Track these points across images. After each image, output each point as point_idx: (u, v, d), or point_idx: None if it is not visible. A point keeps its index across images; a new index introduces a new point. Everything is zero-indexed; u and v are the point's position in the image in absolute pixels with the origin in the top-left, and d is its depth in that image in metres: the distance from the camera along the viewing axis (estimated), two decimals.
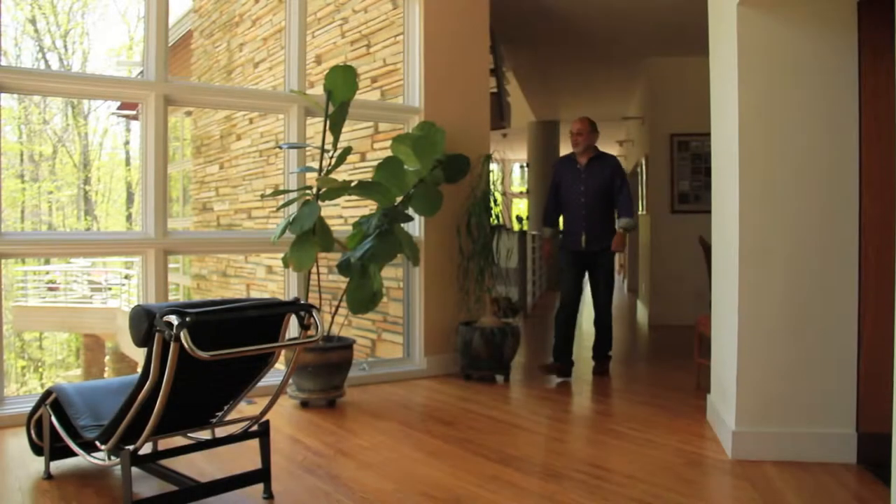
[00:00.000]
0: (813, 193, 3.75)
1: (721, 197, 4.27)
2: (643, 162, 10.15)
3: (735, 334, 3.82)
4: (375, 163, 5.39)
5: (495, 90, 8.57)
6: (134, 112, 18.66)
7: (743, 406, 3.79)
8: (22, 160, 25.00)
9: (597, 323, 5.99)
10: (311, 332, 3.12)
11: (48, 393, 3.43)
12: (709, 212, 4.62)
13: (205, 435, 3.41)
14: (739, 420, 3.79)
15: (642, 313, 10.03)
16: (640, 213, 10.98)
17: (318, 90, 5.35)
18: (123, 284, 18.02)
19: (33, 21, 25.06)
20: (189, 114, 14.61)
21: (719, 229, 4.34)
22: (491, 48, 6.73)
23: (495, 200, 5.96)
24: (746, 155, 3.80)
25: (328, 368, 4.85)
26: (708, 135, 4.63)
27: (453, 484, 3.42)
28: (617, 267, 20.02)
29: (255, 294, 10.14)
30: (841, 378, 3.70)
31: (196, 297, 12.94)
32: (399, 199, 5.28)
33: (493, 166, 6.06)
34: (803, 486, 3.39)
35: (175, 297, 14.73)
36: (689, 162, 9.07)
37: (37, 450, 3.64)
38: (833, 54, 3.73)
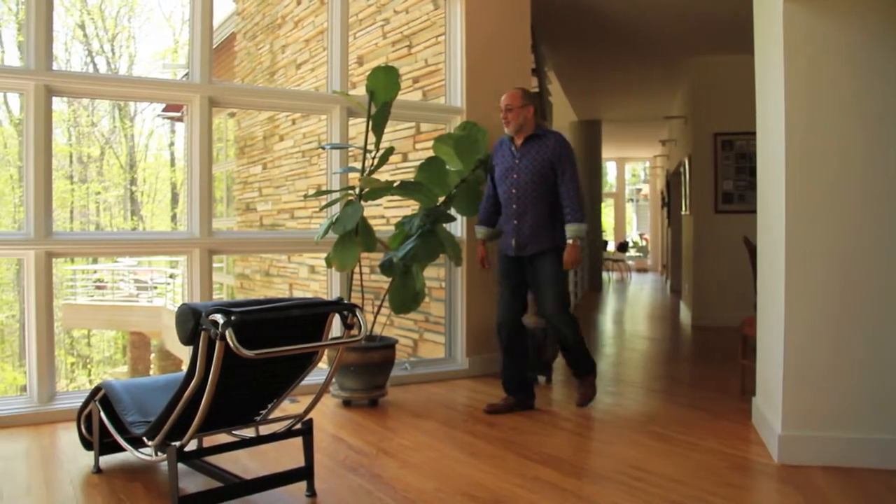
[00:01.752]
0: (862, 192, 3.68)
1: (767, 196, 4.21)
2: (686, 162, 10.05)
3: (781, 336, 3.76)
4: (417, 163, 5.40)
5: (537, 90, 8.55)
6: (179, 114, 18.92)
7: (789, 409, 3.73)
8: (71, 162, 25.47)
9: (560, 343, 5.04)
10: (355, 331, 3.14)
11: (97, 389, 3.50)
12: (753, 212, 4.56)
13: (249, 433, 3.45)
14: (786, 423, 3.73)
15: (685, 314, 9.93)
16: (683, 213, 10.87)
17: (360, 91, 5.38)
18: (168, 283, 18.27)
19: (82, 26, 25.53)
20: (232, 115, 14.77)
21: (765, 229, 4.28)
22: (532, 48, 6.70)
23: None
24: (793, 153, 3.74)
25: (371, 368, 4.87)
26: (753, 133, 4.57)
27: (494, 484, 3.42)
28: (659, 269, 19.87)
29: (297, 293, 10.22)
30: (891, 381, 3.62)
31: (239, 297, 13.09)
32: (441, 199, 5.29)
33: None
34: (851, 492, 3.32)
35: (219, 296, 14.90)
36: (733, 161, 8.95)
37: (86, 444, 3.72)
38: (881, 48, 3.65)
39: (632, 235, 26.14)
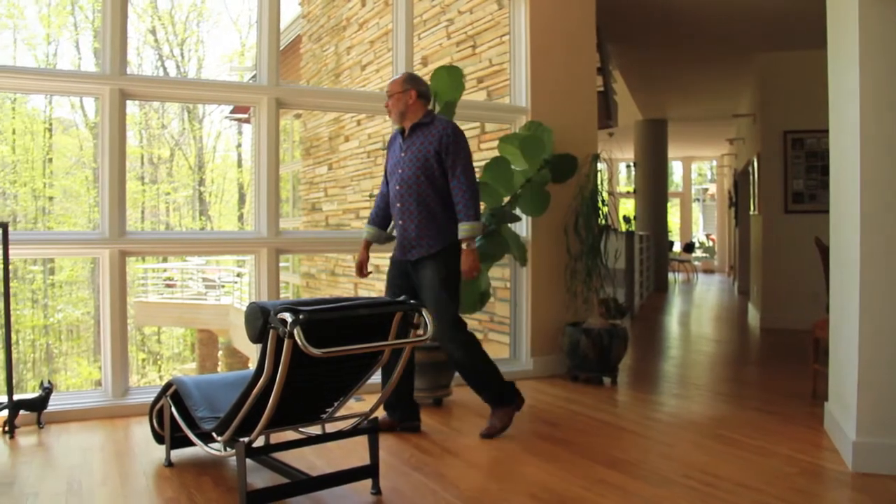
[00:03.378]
0: None
1: (840, 196, 4.10)
2: (755, 161, 9.84)
3: (856, 339, 3.65)
4: (482, 163, 5.40)
5: (602, 89, 8.47)
6: (246, 115, 19.23)
7: (865, 415, 3.62)
8: (142, 163, 26.12)
9: (455, 367, 4.44)
10: (421, 331, 3.15)
11: (169, 385, 3.58)
12: (825, 211, 4.44)
13: (315, 430, 3.49)
14: (860, 430, 3.62)
15: (753, 316, 9.73)
16: (751, 213, 10.64)
17: None
18: (236, 282, 18.58)
19: (153, 31, 26.16)
20: (298, 116, 14.96)
21: (838, 230, 4.16)
22: (597, 46, 6.65)
23: (603, 200, 5.87)
24: (868, 151, 3.63)
25: (435, 367, 4.89)
26: (825, 131, 4.45)
27: (559, 486, 3.40)
28: (726, 269, 19.51)
29: (362, 293, 10.31)
30: None
31: (305, 296, 13.25)
32: (506, 199, 5.28)
33: (601, 166, 5.97)
34: None
35: (285, 295, 15.10)
36: (803, 160, 8.74)
37: (158, 438, 3.82)
38: None
39: (698, 236, 25.73)
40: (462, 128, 7.42)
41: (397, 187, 4.22)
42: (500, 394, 4.28)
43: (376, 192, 5.48)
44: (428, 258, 4.15)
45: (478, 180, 5.12)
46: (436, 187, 4.15)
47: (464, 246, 4.09)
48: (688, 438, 4.25)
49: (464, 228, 4.06)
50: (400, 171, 4.21)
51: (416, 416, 4.37)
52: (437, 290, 4.12)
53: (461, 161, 4.11)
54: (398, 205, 4.22)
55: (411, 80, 4.28)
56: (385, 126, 9.50)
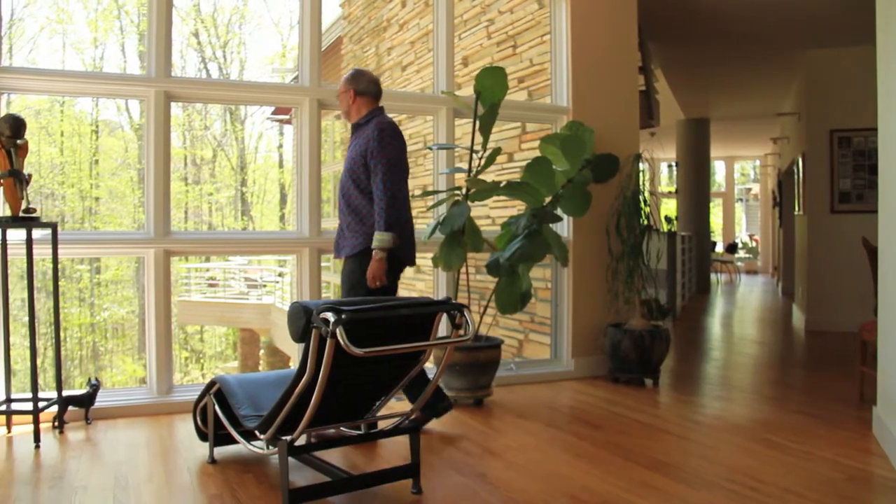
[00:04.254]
0: None
1: (889, 195, 4.01)
2: (799, 160, 9.69)
3: None
4: (523, 163, 5.39)
5: (643, 88, 8.40)
6: (287, 116, 19.39)
7: None
8: (185, 164, 26.44)
9: None
10: (462, 331, 3.15)
11: (212, 383, 3.62)
12: (873, 212, 4.36)
13: (357, 429, 3.51)
14: None
15: (798, 318, 9.58)
16: (796, 213, 10.48)
17: (465, 91, 5.40)
18: (277, 282, 18.72)
19: (196, 34, 26.48)
20: (339, 117, 15.03)
21: (887, 230, 4.08)
22: (639, 45, 6.59)
23: (645, 200, 5.83)
24: None
25: (476, 368, 4.89)
26: (873, 129, 4.37)
27: (601, 488, 3.37)
28: (770, 270, 19.23)
29: (403, 293, 10.31)
30: None
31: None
32: (548, 199, 5.26)
33: (643, 166, 5.92)
34: None
35: (326, 294, 15.19)
36: (850, 159, 8.59)
37: (202, 435, 3.87)
38: None
39: (741, 236, 25.39)
40: (503, 128, 7.47)
41: (340, 185, 4.24)
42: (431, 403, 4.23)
43: (417, 192, 5.50)
44: (350, 257, 4.16)
45: (519, 181, 5.12)
46: (360, 189, 4.10)
47: (373, 254, 3.99)
48: (731, 441, 4.19)
49: (375, 238, 3.97)
50: (343, 169, 4.22)
51: (443, 396, 4.32)
52: (346, 288, 4.15)
53: (381, 166, 3.98)
54: (339, 200, 4.26)
55: (352, 78, 4.23)
56: (425, 126, 9.51)
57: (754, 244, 23.57)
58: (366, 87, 4.20)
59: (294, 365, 4.26)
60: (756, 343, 8.29)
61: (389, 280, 4.12)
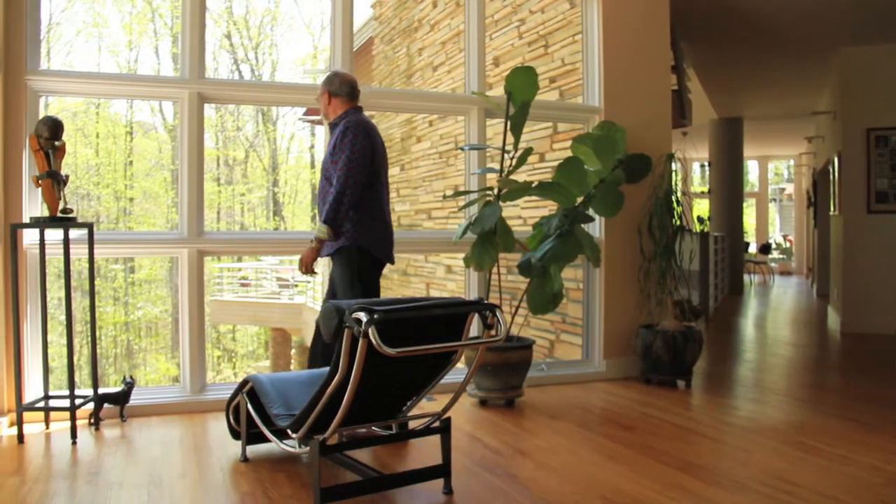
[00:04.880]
0: None
1: None
2: (835, 159, 9.56)
3: None
4: (555, 163, 5.37)
5: (676, 87, 8.34)
6: (318, 117, 19.44)
7: None
8: (218, 165, 26.66)
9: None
10: (494, 331, 3.15)
11: (245, 382, 3.65)
12: None
13: (388, 429, 3.52)
14: None
15: (833, 319, 9.44)
16: (831, 213, 10.35)
17: (496, 91, 5.39)
18: (309, 282, 18.81)
19: (229, 36, 26.69)
20: (370, 117, 15.08)
21: None
22: (671, 44, 6.53)
23: (677, 200, 5.78)
24: None
25: (508, 368, 4.88)
26: None
27: (634, 490, 3.35)
28: (804, 271, 18.98)
29: (434, 293, 10.35)
30: None
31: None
32: (580, 199, 5.24)
33: (675, 166, 5.88)
34: None
35: None
36: (887, 158, 8.46)
37: (234, 434, 3.90)
38: None
39: (775, 237, 25.12)
40: (534, 128, 7.46)
41: (319, 185, 4.33)
42: None
43: (449, 192, 5.50)
44: (331, 256, 4.28)
45: (550, 181, 5.11)
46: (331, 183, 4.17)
47: (311, 242, 4.13)
48: (765, 444, 4.14)
49: (317, 228, 4.13)
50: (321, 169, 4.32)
51: None
52: (334, 284, 4.31)
53: (342, 161, 4.06)
54: (318, 201, 4.36)
55: (327, 80, 4.34)
56: (457, 127, 9.51)
57: (788, 245, 23.30)
58: (338, 87, 4.31)
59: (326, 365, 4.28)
60: (790, 345, 8.19)
61: (370, 279, 4.29)
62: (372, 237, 4.24)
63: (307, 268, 4.18)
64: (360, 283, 4.22)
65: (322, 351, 4.20)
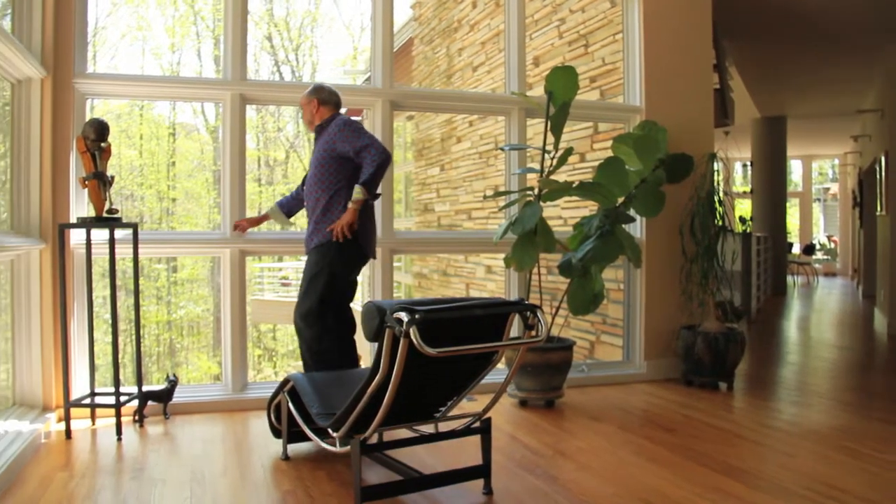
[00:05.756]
0: None
1: None
2: (882, 158, 9.39)
3: None
4: (595, 163, 5.34)
5: (718, 86, 8.25)
6: (359, 118, 19.56)
7: None
8: (259, 165, 26.91)
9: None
10: (535, 332, 3.14)
11: (286, 381, 3.69)
12: None
13: (428, 429, 3.52)
14: None
15: (880, 322, 9.27)
16: (878, 213, 10.16)
17: (536, 91, 5.37)
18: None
19: (269, 38, 26.91)
20: (410, 118, 15.12)
21: None
22: (713, 43, 6.46)
23: (720, 201, 5.72)
24: None
25: (548, 369, 4.87)
26: None
27: (674, 492, 3.32)
28: (849, 272, 18.67)
29: (474, 293, 10.35)
30: None
31: (416, 296, 13.39)
32: (621, 199, 5.20)
33: (717, 165, 5.81)
34: None
35: (397, 294, 15.27)
36: None
37: (276, 433, 3.94)
38: None
39: (819, 237, 24.73)
40: (574, 128, 7.43)
41: (306, 186, 4.54)
42: None
43: (489, 192, 5.50)
44: (311, 250, 4.42)
45: (591, 181, 5.08)
46: (325, 188, 4.38)
47: (351, 204, 4.26)
48: (809, 448, 4.08)
49: (357, 189, 4.24)
50: (310, 171, 4.51)
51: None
52: (307, 277, 4.42)
53: (364, 138, 4.34)
54: (305, 202, 4.58)
55: (314, 90, 4.57)
56: (497, 127, 9.50)
57: (833, 245, 22.92)
58: (328, 97, 4.56)
59: (365, 364, 4.31)
60: (835, 347, 8.06)
61: (351, 273, 4.50)
62: (364, 233, 4.42)
63: (350, 228, 4.26)
64: (328, 279, 4.35)
65: (308, 353, 4.43)
